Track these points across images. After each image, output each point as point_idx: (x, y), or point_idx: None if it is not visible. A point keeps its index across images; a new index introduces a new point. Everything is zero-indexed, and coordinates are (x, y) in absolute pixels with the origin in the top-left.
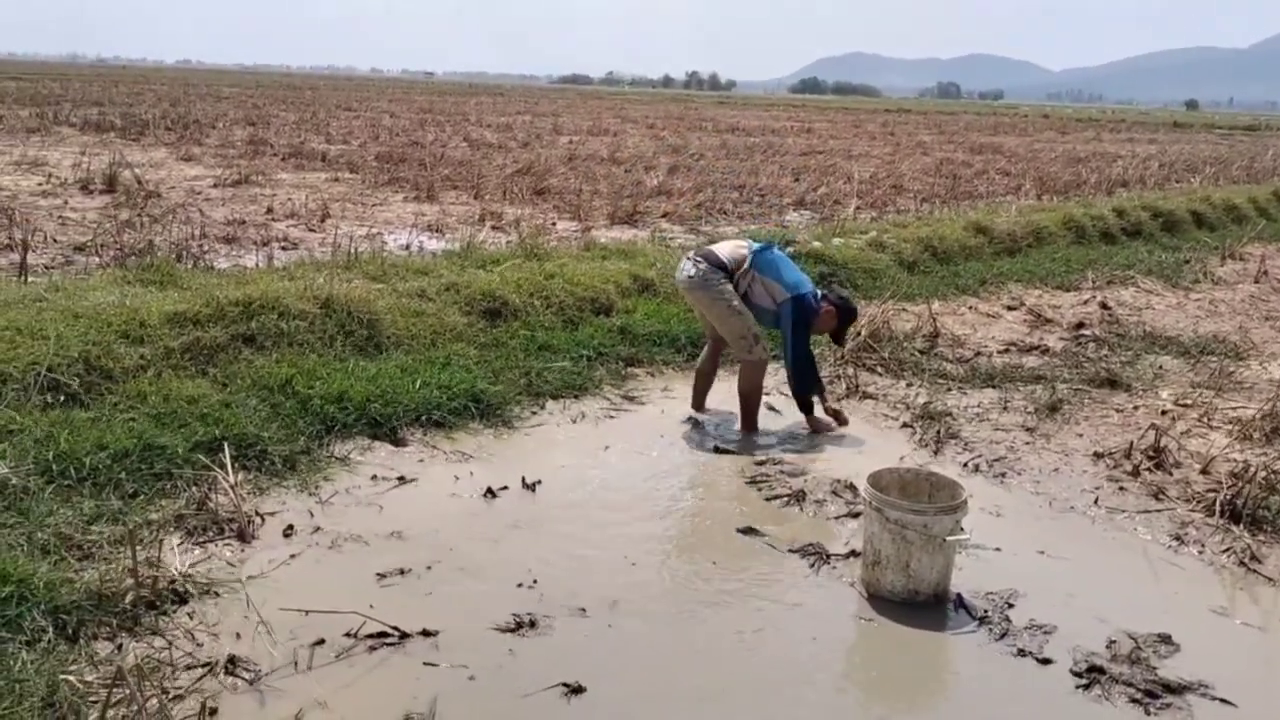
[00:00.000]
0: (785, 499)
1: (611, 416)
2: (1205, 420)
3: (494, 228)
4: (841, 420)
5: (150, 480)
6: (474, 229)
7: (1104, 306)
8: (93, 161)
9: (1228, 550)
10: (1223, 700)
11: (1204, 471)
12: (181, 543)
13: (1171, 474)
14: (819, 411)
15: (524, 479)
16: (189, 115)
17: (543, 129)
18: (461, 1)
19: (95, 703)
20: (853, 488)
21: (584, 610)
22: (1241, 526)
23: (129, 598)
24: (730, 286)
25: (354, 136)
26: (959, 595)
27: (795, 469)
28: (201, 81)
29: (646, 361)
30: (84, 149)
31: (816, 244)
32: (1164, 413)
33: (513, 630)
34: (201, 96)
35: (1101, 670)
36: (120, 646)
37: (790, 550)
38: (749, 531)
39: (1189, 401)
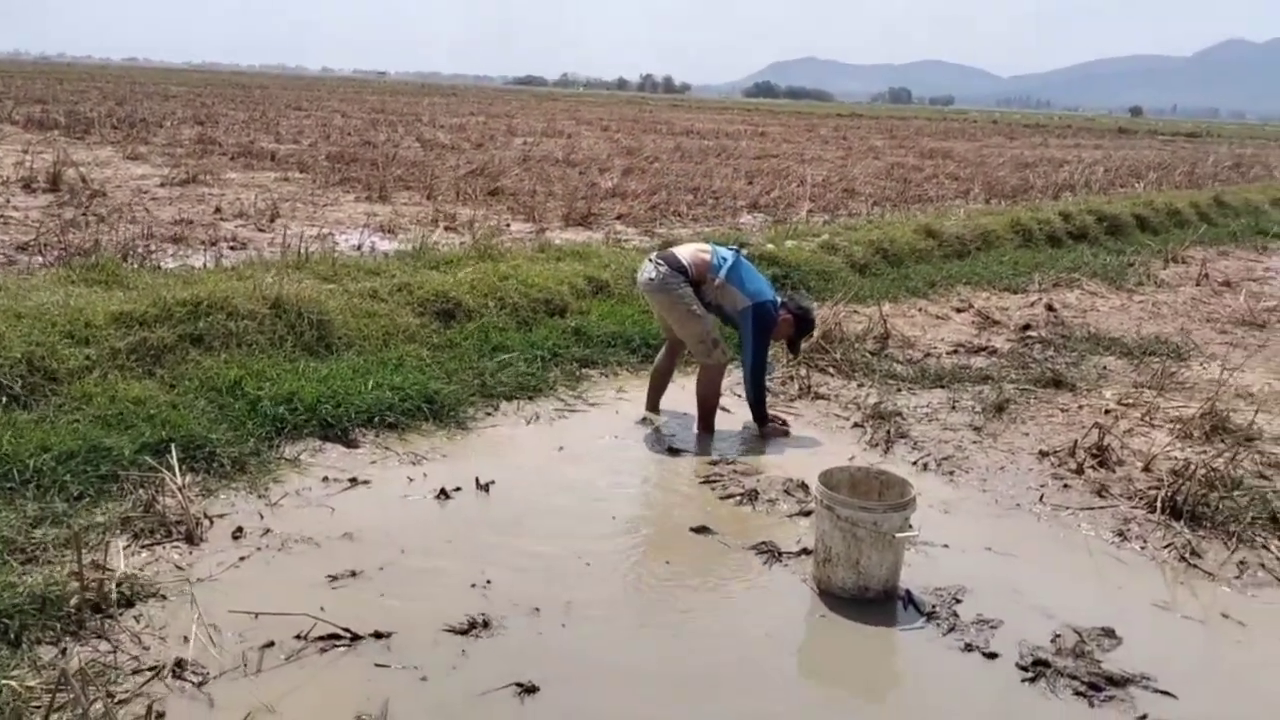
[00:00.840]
0: (738, 498)
1: (565, 417)
2: (1147, 419)
3: (447, 228)
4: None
5: (96, 482)
6: (427, 230)
7: (1050, 308)
8: (36, 160)
9: (1169, 546)
10: (1164, 692)
11: (1146, 469)
12: (128, 545)
13: (1115, 472)
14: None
15: (477, 480)
16: (135, 113)
17: (497, 130)
18: (415, 1)
19: (38, 708)
20: (804, 486)
21: (538, 610)
22: (1182, 522)
23: (73, 601)
24: (690, 290)
25: (304, 136)
26: (908, 591)
27: (748, 469)
28: (149, 79)
29: (601, 363)
30: (26, 147)
31: (770, 246)
32: (1107, 412)
33: (466, 631)
34: (148, 94)
35: (1046, 664)
36: (64, 650)
37: (743, 548)
38: (702, 530)
39: (1132, 401)
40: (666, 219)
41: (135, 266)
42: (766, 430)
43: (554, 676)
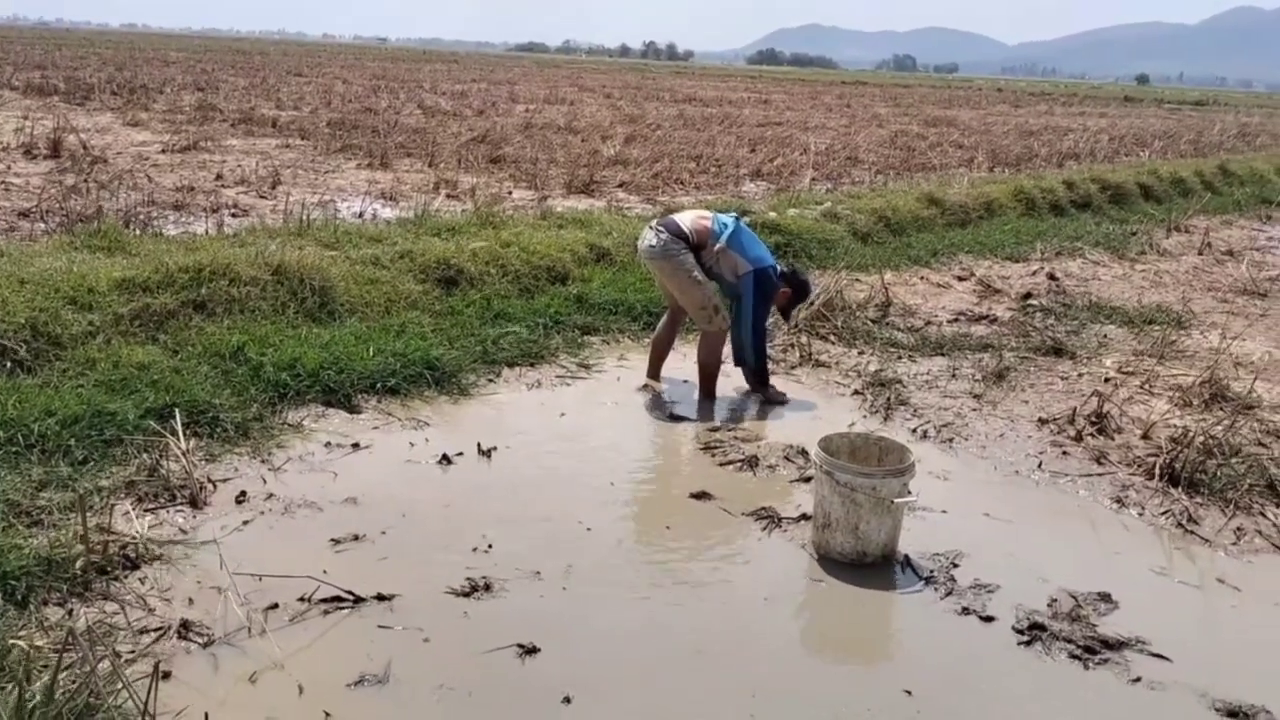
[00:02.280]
0: (738, 464)
1: (567, 384)
2: (1147, 387)
3: (449, 196)
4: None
5: (100, 447)
6: (429, 197)
7: (1052, 277)
8: (36, 126)
9: (1166, 512)
10: (1158, 655)
11: (1145, 436)
12: (132, 509)
13: (1113, 439)
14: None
15: (479, 445)
16: (136, 79)
17: (499, 97)
18: None
19: (46, 667)
20: (804, 453)
21: (538, 574)
22: (1180, 489)
23: (79, 563)
24: (691, 257)
25: (305, 103)
26: (906, 556)
27: (748, 435)
28: (148, 45)
29: (603, 330)
30: (26, 113)
31: (772, 214)
32: (1107, 380)
33: (467, 594)
34: (148, 60)
35: (1043, 627)
36: (71, 611)
37: (743, 514)
38: (702, 496)
39: (1132, 369)
40: (669, 187)
41: (137, 233)
42: (768, 396)
43: (554, 638)
